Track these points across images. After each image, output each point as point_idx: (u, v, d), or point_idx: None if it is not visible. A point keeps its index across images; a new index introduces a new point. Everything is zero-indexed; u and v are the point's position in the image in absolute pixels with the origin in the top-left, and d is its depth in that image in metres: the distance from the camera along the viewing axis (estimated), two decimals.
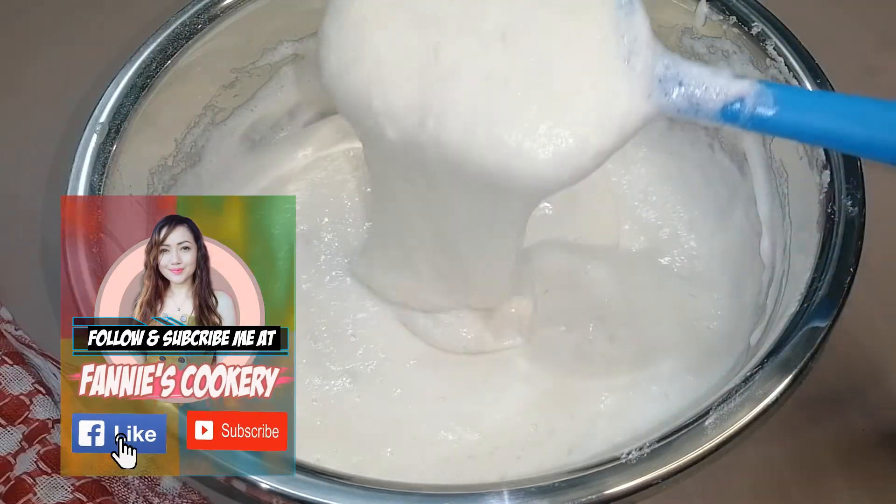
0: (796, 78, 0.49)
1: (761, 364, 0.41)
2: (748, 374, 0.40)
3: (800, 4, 0.60)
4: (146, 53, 0.52)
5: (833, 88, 0.49)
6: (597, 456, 0.41)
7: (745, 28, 0.52)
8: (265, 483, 0.39)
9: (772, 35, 0.51)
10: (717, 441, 0.39)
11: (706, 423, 0.39)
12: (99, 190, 0.48)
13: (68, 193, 0.47)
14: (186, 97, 0.55)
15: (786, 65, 0.50)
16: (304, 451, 0.45)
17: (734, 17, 0.52)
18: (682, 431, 0.39)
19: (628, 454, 0.38)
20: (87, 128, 0.49)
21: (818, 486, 0.49)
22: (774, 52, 0.50)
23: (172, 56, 0.53)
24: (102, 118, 0.50)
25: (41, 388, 0.49)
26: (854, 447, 0.51)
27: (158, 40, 0.53)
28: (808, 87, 0.49)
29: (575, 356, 0.53)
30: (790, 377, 0.40)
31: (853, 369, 0.53)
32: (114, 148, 0.49)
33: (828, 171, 0.46)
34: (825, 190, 0.46)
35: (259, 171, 0.60)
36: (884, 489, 0.50)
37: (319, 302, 0.55)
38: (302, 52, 0.59)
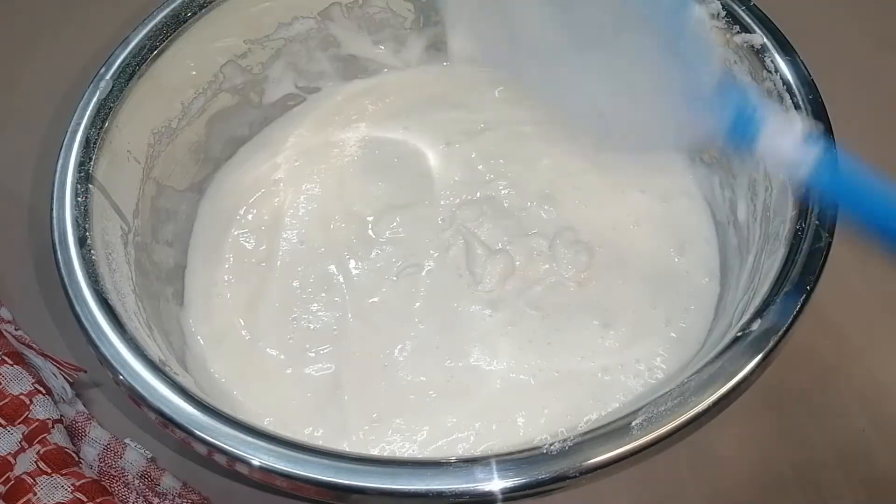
0: (789, 92, 0.49)
1: (697, 373, 0.40)
2: (684, 380, 0.40)
3: (800, 5, 0.59)
4: (159, 17, 0.53)
5: (824, 105, 0.48)
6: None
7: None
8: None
9: (771, 48, 0.50)
10: (640, 443, 0.38)
11: (633, 423, 0.39)
12: (95, 144, 0.49)
13: (64, 144, 0.48)
14: (197, 64, 0.56)
15: (780, 79, 0.49)
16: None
17: (738, 27, 0.52)
18: (607, 428, 0.39)
19: (550, 446, 0.39)
20: (92, 84, 0.50)
21: (818, 485, 0.49)
22: (772, 66, 0.50)
23: (185, 22, 0.54)
24: (108, 75, 0.51)
25: (41, 388, 0.49)
26: (854, 447, 0.50)
27: (173, 6, 0.54)
28: (799, 100, 0.49)
29: None
30: (718, 394, 0.40)
31: (852, 369, 0.52)
32: (116, 104, 0.50)
33: (805, 189, 0.46)
34: (798, 206, 0.46)
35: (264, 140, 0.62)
36: (884, 489, 0.49)
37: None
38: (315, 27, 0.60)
